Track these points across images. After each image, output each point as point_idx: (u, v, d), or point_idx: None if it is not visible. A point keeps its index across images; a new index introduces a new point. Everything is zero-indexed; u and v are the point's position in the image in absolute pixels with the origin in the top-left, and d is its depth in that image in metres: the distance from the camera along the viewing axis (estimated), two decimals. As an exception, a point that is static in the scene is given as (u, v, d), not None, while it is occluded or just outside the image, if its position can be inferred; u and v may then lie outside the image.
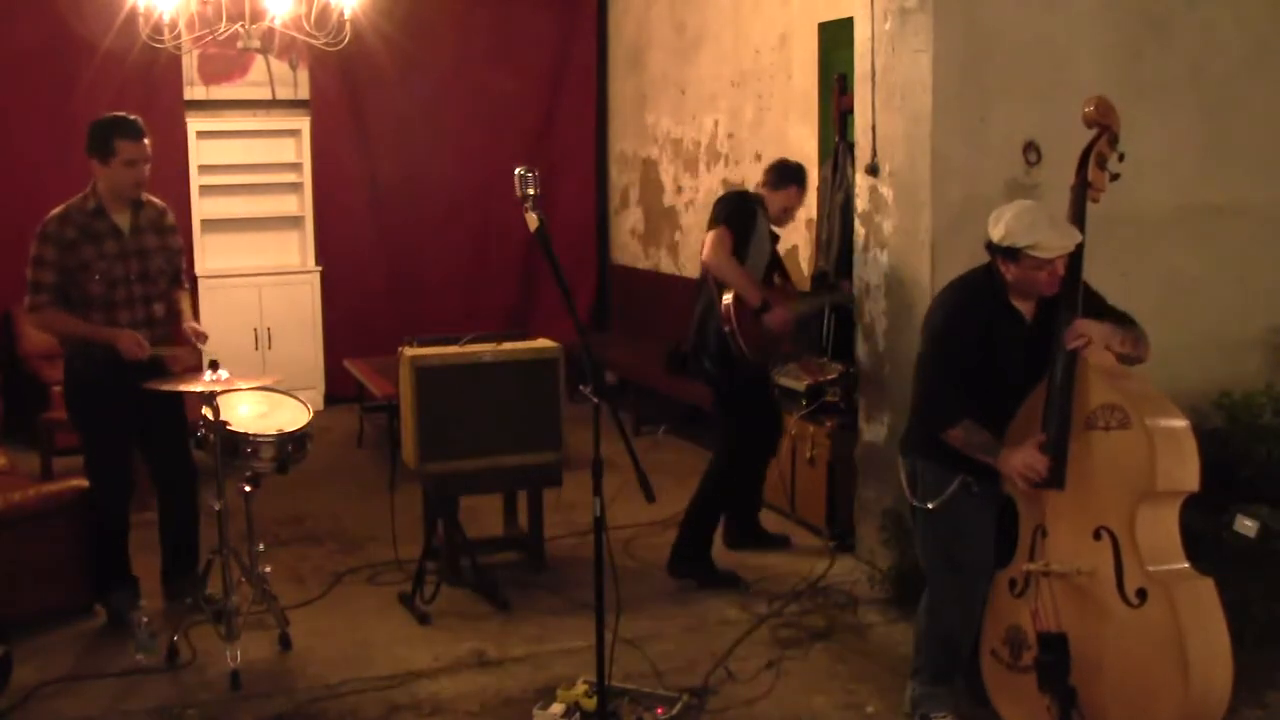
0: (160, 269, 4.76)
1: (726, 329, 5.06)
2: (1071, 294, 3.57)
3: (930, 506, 3.69)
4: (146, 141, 4.63)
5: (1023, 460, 3.48)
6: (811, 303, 5.69)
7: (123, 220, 4.67)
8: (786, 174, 5.33)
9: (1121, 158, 3.70)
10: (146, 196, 4.76)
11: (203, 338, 4.75)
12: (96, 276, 4.58)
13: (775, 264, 5.43)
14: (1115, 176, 3.70)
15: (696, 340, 5.28)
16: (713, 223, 5.19)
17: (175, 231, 4.91)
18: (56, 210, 4.62)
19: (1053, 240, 3.47)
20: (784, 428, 5.63)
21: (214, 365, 4.37)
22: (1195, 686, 3.28)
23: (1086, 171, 3.67)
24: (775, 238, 5.39)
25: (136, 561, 4.92)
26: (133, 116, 4.65)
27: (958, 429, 3.56)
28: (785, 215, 5.39)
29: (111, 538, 4.79)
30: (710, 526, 5.29)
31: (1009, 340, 3.62)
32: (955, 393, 3.60)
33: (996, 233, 3.52)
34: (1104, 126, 3.68)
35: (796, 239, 6.86)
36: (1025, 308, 3.64)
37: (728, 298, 5.08)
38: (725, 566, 5.23)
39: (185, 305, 4.88)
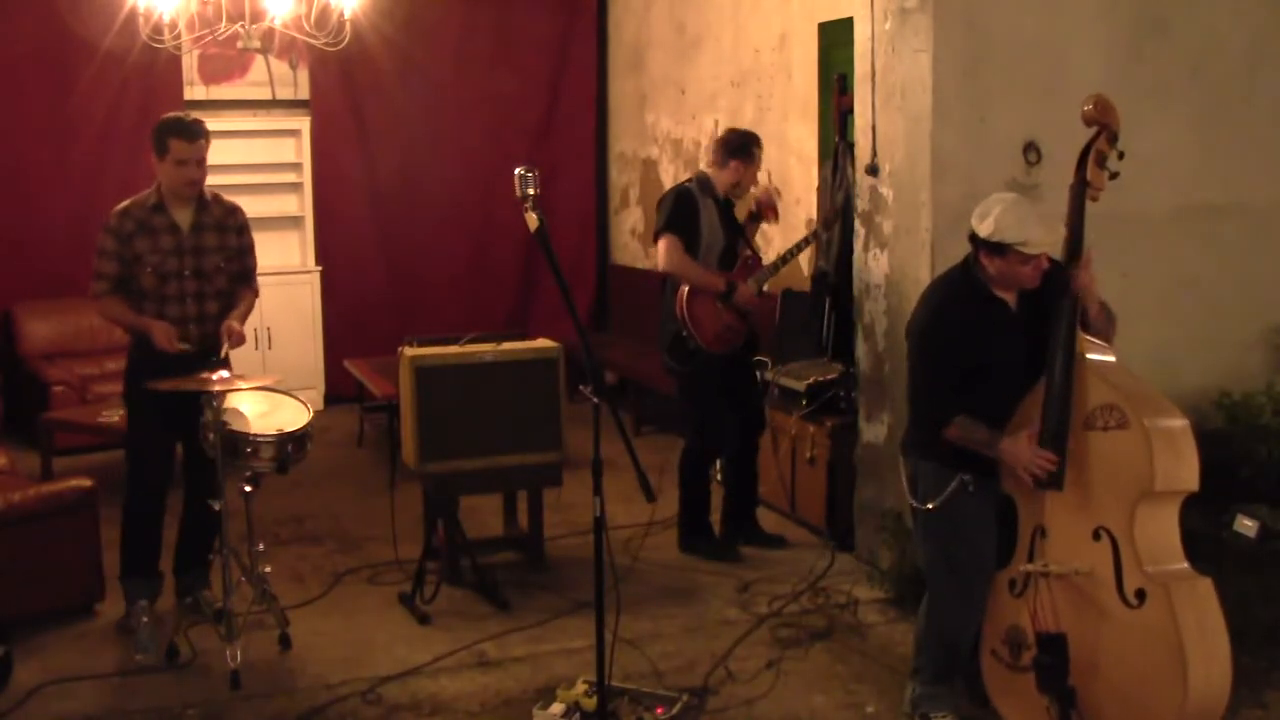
0: (217, 267, 4.73)
1: (684, 333, 5.22)
2: (1069, 301, 3.57)
3: (930, 507, 3.69)
4: (203, 143, 4.63)
5: (1029, 458, 3.48)
6: (778, 266, 5.49)
7: (183, 217, 4.68)
8: (727, 150, 5.35)
9: (1121, 156, 3.69)
10: (215, 195, 4.78)
11: (236, 337, 4.66)
12: (149, 269, 4.62)
13: (737, 234, 5.42)
14: (1114, 175, 3.70)
15: (660, 337, 5.44)
16: (657, 229, 5.29)
17: (242, 231, 4.84)
18: (122, 204, 4.69)
19: (1042, 237, 3.49)
20: (765, 419, 5.65)
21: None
22: (1194, 687, 3.28)
23: (1085, 170, 3.66)
24: (729, 207, 5.38)
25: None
26: (193, 118, 4.68)
27: (953, 426, 3.57)
28: (735, 189, 5.39)
29: (138, 527, 4.75)
30: (699, 504, 5.50)
31: (997, 330, 3.62)
32: (946, 390, 3.61)
33: (985, 227, 3.52)
34: (1103, 125, 3.67)
35: (797, 238, 6.82)
36: (1008, 296, 3.65)
37: (680, 298, 5.20)
38: (724, 563, 5.35)
39: (241, 305, 4.82)
